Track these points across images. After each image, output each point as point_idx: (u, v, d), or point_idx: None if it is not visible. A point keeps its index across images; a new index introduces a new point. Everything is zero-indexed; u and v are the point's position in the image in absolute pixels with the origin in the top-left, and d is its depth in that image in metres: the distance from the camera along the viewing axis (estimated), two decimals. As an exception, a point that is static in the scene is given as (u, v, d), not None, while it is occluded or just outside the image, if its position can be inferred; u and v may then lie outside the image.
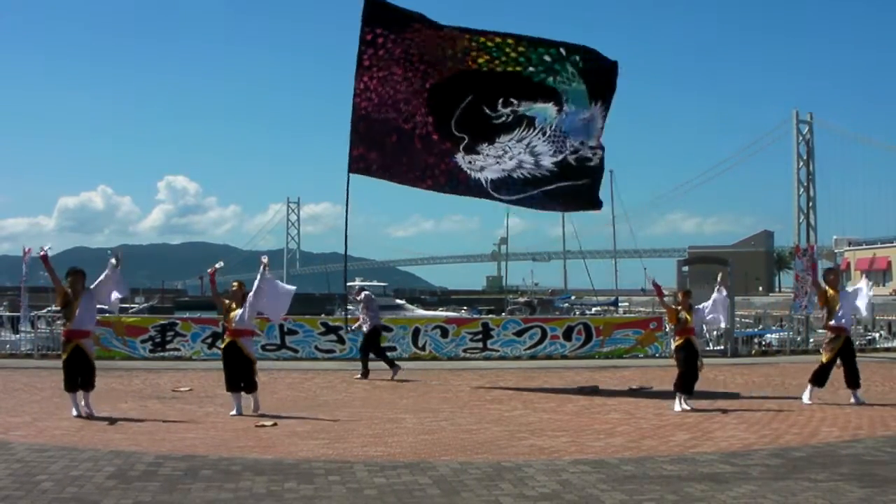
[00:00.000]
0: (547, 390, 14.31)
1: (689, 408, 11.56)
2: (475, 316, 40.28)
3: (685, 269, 23.19)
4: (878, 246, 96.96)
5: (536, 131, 14.02)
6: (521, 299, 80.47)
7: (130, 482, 6.96)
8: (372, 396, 13.43)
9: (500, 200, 14.90)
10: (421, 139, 14.34)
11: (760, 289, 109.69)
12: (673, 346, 12.08)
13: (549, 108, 13.91)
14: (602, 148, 14.30)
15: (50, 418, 10.49)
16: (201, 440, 9.11)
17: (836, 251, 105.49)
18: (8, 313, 29.05)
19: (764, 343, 25.62)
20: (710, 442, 9.17)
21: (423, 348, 20.03)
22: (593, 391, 14.07)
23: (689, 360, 11.82)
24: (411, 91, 14.08)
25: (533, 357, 20.07)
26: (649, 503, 6.46)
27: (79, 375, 10.61)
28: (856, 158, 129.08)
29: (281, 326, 19.29)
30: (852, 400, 11.92)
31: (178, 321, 20.51)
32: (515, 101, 13.93)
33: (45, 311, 31.45)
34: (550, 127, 14.01)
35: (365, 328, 16.28)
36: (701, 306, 12.25)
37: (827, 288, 12.31)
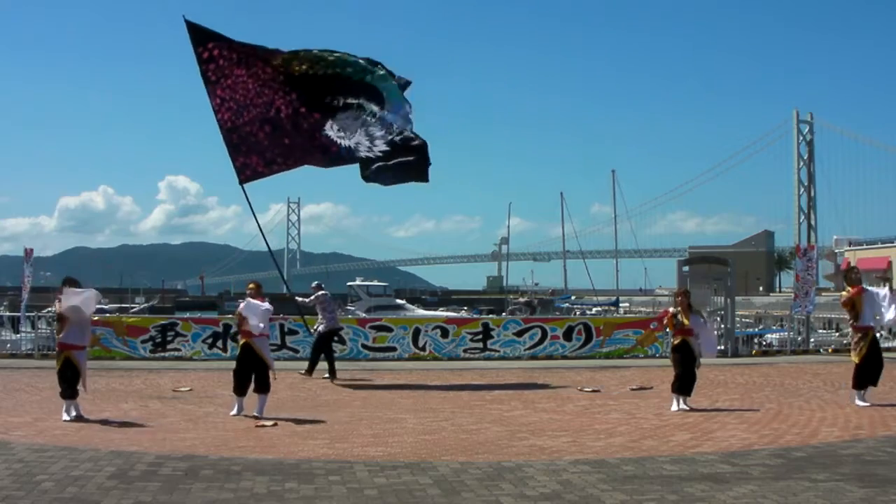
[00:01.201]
0: (547, 390, 14.31)
1: (687, 408, 11.55)
2: (475, 316, 40.31)
3: (686, 268, 23.18)
4: (879, 246, 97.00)
5: (367, 114, 14.95)
6: (522, 299, 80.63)
7: (131, 482, 6.96)
8: (372, 396, 13.44)
9: (359, 163, 15.47)
10: (290, 118, 15.10)
11: (761, 289, 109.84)
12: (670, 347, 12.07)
13: (373, 105, 14.89)
14: (424, 142, 15.22)
15: (50, 418, 10.49)
16: (202, 440, 9.12)
17: (836, 251, 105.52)
18: (8, 313, 29.09)
19: (764, 343, 25.65)
20: (710, 442, 9.17)
21: (424, 348, 20.03)
22: (594, 391, 14.07)
23: (685, 362, 11.79)
24: (261, 82, 14.89)
25: (533, 357, 20.07)
26: (650, 503, 6.46)
27: (70, 383, 10.64)
28: (856, 158, 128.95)
29: (281, 326, 19.31)
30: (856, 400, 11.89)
31: (178, 321, 20.50)
32: (341, 97, 14.91)
33: (45, 311, 31.51)
34: (375, 116, 14.99)
35: (321, 328, 16.19)
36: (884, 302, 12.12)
37: (852, 290, 12.29)
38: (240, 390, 11.18)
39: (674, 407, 11.57)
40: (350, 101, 14.90)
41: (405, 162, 15.21)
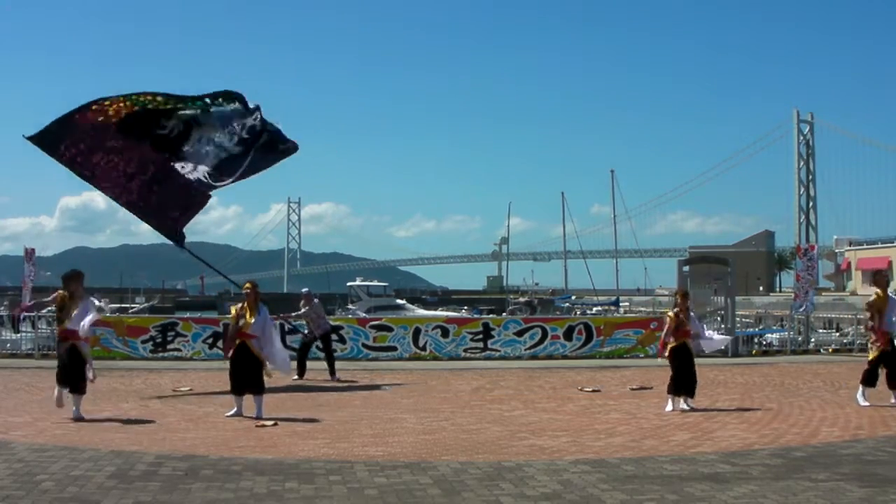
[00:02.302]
0: (548, 389, 14.31)
1: (688, 408, 11.53)
2: (476, 316, 40.28)
3: (686, 268, 23.17)
4: (879, 246, 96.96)
5: (206, 126, 14.82)
6: (522, 299, 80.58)
7: (131, 482, 6.96)
8: (373, 396, 13.44)
9: (227, 184, 15.41)
10: (162, 165, 14.85)
11: (761, 289, 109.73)
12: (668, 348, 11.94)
13: (199, 112, 14.70)
14: (258, 108, 15.00)
15: (50, 418, 10.49)
16: (202, 440, 9.12)
17: (836, 251, 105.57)
18: (9, 313, 29.08)
19: (764, 343, 25.64)
20: (710, 442, 9.17)
21: (424, 348, 20.04)
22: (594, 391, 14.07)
23: (685, 363, 11.76)
24: (120, 150, 14.49)
25: (534, 357, 20.08)
26: (650, 503, 6.46)
27: (71, 375, 10.58)
28: (856, 158, 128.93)
29: (282, 326, 19.30)
30: (893, 400, 11.89)
31: (178, 321, 20.51)
32: (166, 120, 14.61)
33: (45, 310, 31.50)
34: (210, 120, 14.82)
35: (317, 333, 16.14)
36: None
37: (879, 292, 12.28)
38: (237, 390, 11.12)
39: (668, 407, 11.54)
40: (182, 115, 14.64)
41: (263, 145, 15.15)
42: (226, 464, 7.76)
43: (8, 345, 22.10)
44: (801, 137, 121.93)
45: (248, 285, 11.61)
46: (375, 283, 77.27)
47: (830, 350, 23.40)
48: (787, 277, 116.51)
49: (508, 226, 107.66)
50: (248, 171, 15.45)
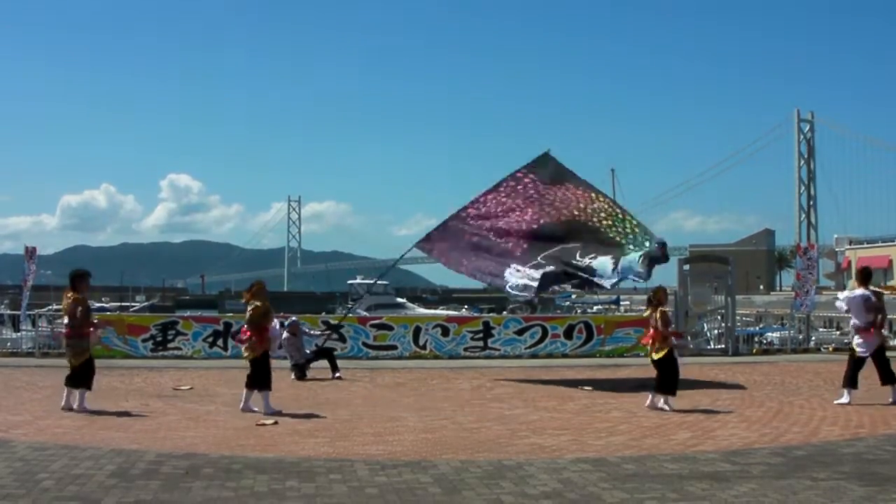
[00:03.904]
0: (548, 388, 14.30)
1: (668, 408, 11.38)
2: (476, 314, 40.27)
3: (686, 267, 23.13)
4: (879, 244, 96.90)
5: (586, 272, 15.22)
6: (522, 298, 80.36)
7: (132, 480, 6.96)
8: (373, 395, 13.44)
9: (513, 294, 16.86)
10: (503, 250, 16.24)
11: (761, 287, 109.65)
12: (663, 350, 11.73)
13: (608, 263, 14.90)
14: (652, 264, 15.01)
15: (51, 417, 10.50)
16: (202, 438, 9.12)
17: (836, 249, 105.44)
18: (9, 311, 29.08)
19: (765, 341, 25.61)
20: (711, 440, 9.17)
21: (424, 347, 20.03)
22: (591, 389, 14.06)
23: (673, 365, 11.65)
24: (517, 223, 16.23)
25: (534, 356, 20.07)
26: (651, 502, 6.46)
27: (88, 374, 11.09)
28: (857, 157, 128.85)
29: (282, 324, 19.27)
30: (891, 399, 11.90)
31: (178, 320, 20.51)
32: (594, 255, 15.19)
33: (45, 309, 31.49)
34: (598, 275, 15.16)
35: (297, 360, 15.87)
36: None
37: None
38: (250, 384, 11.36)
39: (664, 406, 11.46)
40: (593, 264, 15.09)
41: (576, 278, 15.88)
42: (226, 462, 7.75)
43: (9, 343, 22.09)
44: (802, 136, 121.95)
45: (256, 287, 11.86)
46: (376, 281, 77.13)
47: (831, 349, 23.37)
48: (788, 276, 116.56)
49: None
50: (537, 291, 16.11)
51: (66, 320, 11.22)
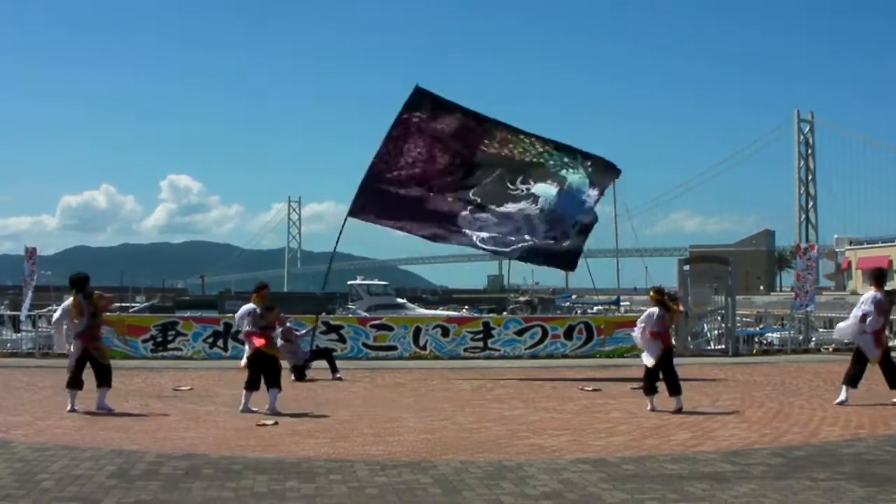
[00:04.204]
0: (548, 389, 14.30)
1: (656, 408, 11.38)
2: (476, 315, 40.25)
3: (686, 267, 23.14)
4: (879, 245, 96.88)
5: (537, 208, 16.23)
6: (522, 298, 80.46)
7: (132, 481, 6.96)
8: (373, 395, 13.44)
9: (485, 250, 17.25)
10: (433, 199, 16.46)
11: (761, 288, 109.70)
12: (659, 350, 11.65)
13: (552, 189, 16.13)
14: (594, 217, 16.45)
15: (51, 417, 10.51)
16: (202, 439, 9.12)
17: (836, 250, 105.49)
18: (9, 312, 29.09)
19: (765, 342, 25.61)
20: (711, 441, 9.17)
21: (425, 347, 20.03)
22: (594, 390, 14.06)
23: (670, 364, 11.62)
24: (430, 163, 16.40)
25: (534, 356, 20.07)
26: (651, 502, 6.45)
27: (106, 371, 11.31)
28: (857, 157, 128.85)
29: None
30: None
31: (179, 320, 20.51)
32: (532, 182, 16.40)
33: (45, 309, 31.48)
34: (549, 205, 16.21)
35: (295, 362, 15.75)
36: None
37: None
38: (249, 385, 11.38)
39: (649, 407, 11.43)
40: (533, 190, 16.13)
41: (555, 250, 16.48)
42: (226, 463, 7.75)
43: (9, 344, 22.10)
44: (802, 136, 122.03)
45: (263, 290, 12.07)
46: (376, 282, 77.20)
47: (831, 349, 23.36)
48: (788, 276, 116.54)
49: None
50: (512, 254, 16.90)
51: (84, 321, 11.16)
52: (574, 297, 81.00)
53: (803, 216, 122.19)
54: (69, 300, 11.29)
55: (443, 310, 60.54)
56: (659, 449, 8.68)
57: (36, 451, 8.16)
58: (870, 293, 12.33)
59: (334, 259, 20.06)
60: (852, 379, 12.02)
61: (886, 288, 12.62)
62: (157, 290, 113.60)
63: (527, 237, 16.29)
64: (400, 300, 67.08)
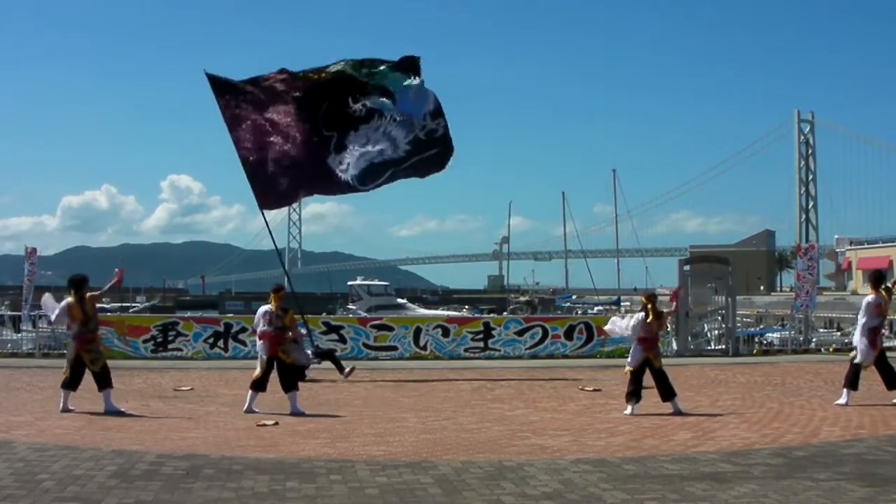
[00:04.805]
0: (548, 389, 14.30)
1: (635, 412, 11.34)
2: (476, 315, 40.26)
3: (686, 268, 23.13)
4: (880, 245, 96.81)
5: (388, 119, 16.03)
6: (523, 298, 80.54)
7: (132, 481, 6.96)
8: (373, 396, 13.44)
9: (366, 190, 16.84)
10: (304, 146, 16.20)
11: (762, 288, 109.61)
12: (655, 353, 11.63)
13: (386, 100, 16.02)
14: (443, 116, 16.33)
15: (51, 417, 10.51)
16: (203, 439, 9.12)
17: (837, 250, 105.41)
18: (10, 312, 29.09)
19: (765, 342, 25.60)
20: (711, 441, 9.17)
21: (425, 347, 20.03)
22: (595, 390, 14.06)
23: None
24: (275, 120, 16.17)
25: (534, 356, 20.07)
26: (651, 502, 6.46)
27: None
28: (857, 157, 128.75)
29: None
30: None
31: (179, 321, 20.51)
32: (361, 97, 16.06)
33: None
34: (396, 113, 16.05)
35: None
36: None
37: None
38: (256, 385, 11.41)
39: (627, 411, 11.31)
40: (370, 104, 15.95)
41: (427, 157, 16.26)
42: (227, 463, 7.76)
43: (9, 344, 22.11)
44: (802, 136, 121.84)
45: (280, 293, 11.97)
46: (376, 282, 77.19)
47: (831, 350, 23.37)
48: (788, 277, 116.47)
49: (509, 225, 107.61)
50: (390, 180, 16.58)
51: (76, 326, 11.21)
52: (574, 297, 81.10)
53: (804, 216, 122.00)
54: (69, 300, 11.30)
55: (443, 310, 60.56)
56: (659, 449, 8.68)
57: (36, 452, 8.16)
58: (866, 298, 12.38)
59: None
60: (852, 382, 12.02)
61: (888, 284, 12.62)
62: (157, 291, 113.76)
63: (392, 154, 16.06)
64: (400, 300, 67.07)
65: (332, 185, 16.51)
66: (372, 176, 16.29)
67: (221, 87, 16.19)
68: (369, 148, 15.99)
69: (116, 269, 12.62)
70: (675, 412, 11.19)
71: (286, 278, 18.25)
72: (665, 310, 12.26)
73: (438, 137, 16.27)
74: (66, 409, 10.95)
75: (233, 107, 16.16)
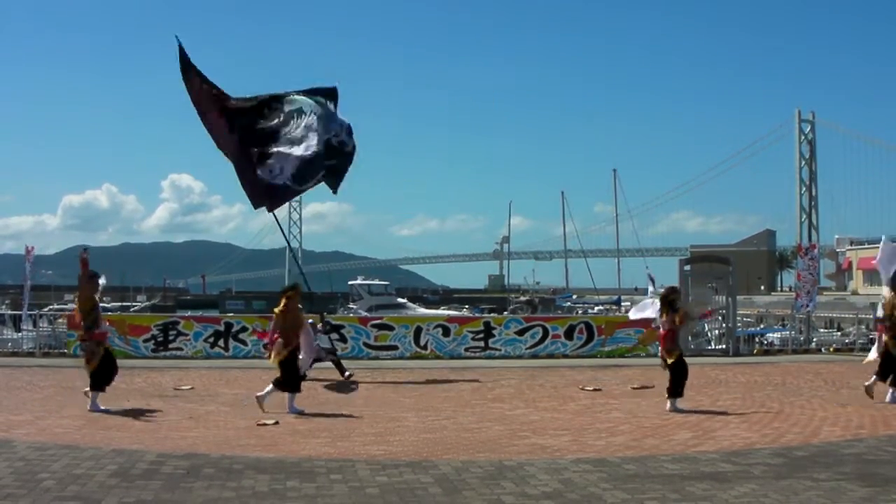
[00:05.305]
0: (549, 388, 14.30)
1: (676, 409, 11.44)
2: (477, 315, 40.28)
3: (687, 268, 23.14)
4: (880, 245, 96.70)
5: (308, 115, 15.67)
6: (523, 298, 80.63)
7: (132, 480, 6.97)
8: (374, 395, 13.44)
9: (302, 190, 16.72)
10: (239, 161, 15.77)
11: (762, 288, 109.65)
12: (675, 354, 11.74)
13: (307, 99, 15.83)
14: (353, 144, 16.20)
15: (52, 416, 10.52)
16: (203, 438, 9.13)
17: (837, 250, 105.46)
18: (10, 311, 29.12)
19: (766, 342, 25.61)
20: (711, 441, 9.17)
21: (425, 347, 20.04)
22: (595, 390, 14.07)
23: (684, 366, 11.69)
24: (222, 125, 15.86)
25: (534, 356, 20.07)
26: (651, 502, 6.46)
27: (110, 375, 11.44)
28: (858, 157, 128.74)
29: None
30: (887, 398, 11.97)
31: (179, 320, 20.52)
32: (276, 104, 15.75)
33: (46, 309, 31.54)
34: (317, 108, 15.75)
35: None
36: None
37: None
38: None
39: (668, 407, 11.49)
40: (287, 108, 15.66)
41: (330, 166, 15.89)
42: (227, 462, 7.76)
43: (10, 343, 22.11)
44: (803, 136, 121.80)
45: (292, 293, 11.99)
46: (377, 281, 77.22)
47: (832, 349, 23.38)
48: (789, 276, 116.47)
49: (510, 225, 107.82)
50: (321, 179, 16.05)
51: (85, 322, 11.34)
52: (575, 296, 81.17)
53: (804, 216, 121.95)
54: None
55: (444, 309, 60.61)
56: (659, 449, 8.68)
57: (37, 451, 8.17)
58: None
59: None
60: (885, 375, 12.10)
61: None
62: (158, 290, 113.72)
63: (318, 149, 15.45)
64: (401, 300, 67.03)
65: (275, 198, 16.17)
66: (309, 171, 15.73)
67: (188, 66, 15.86)
68: (295, 150, 15.42)
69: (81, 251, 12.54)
70: (672, 409, 11.27)
71: (303, 278, 17.96)
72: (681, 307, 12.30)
73: (347, 152, 16.07)
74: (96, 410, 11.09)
75: (194, 92, 15.82)
